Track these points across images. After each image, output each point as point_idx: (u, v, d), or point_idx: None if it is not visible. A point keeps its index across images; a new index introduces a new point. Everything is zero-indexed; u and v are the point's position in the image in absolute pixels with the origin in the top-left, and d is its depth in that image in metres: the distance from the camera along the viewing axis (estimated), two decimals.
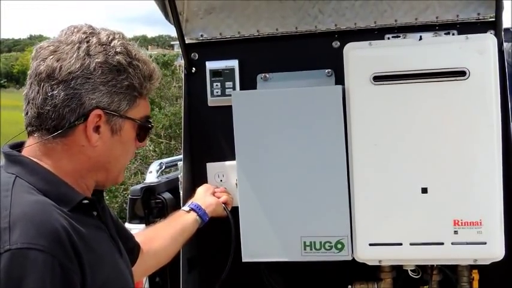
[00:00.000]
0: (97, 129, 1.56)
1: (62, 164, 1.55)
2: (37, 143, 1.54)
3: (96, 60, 1.53)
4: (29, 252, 1.32)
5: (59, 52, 1.53)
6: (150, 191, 3.06)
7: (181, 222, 2.40)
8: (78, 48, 1.53)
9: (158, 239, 2.28)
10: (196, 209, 2.45)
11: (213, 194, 2.59)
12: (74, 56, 1.52)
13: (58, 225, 1.39)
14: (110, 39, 1.57)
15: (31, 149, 1.55)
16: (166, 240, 2.30)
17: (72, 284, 1.37)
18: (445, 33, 2.53)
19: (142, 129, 1.67)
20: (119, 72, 1.56)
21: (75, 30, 1.58)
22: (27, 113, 1.56)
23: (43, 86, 1.52)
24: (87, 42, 1.54)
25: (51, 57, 1.53)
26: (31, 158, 1.54)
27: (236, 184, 2.56)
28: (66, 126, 1.52)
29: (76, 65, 1.51)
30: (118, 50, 1.56)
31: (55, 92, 1.51)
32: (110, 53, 1.55)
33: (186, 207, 2.47)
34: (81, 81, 1.51)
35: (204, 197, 2.54)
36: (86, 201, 1.56)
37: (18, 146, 1.59)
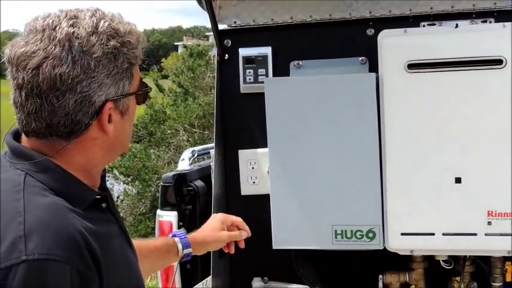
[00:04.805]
0: (109, 118, 1.49)
1: (75, 160, 1.48)
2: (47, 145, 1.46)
3: (94, 55, 1.43)
4: (46, 263, 1.27)
5: (50, 58, 1.41)
6: (182, 178, 3.09)
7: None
8: (70, 47, 1.41)
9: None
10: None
11: (228, 226, 2.21)
12: (69, 58, 1.41)
13: (75, 232, 1.34)
14: (95, 23, 1.46)
15: (36, 145, 1.47)
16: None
17: None
18: (481, 21, 2.49)
19: (142, 94, 1.59)
20: (117, 58, 1.47)
21: (56, 25, 1.44)
22: (31, 125, 1.45)
23: (47, 98, 1.42)
24: (77, 37, 1.42)
25: (45, 65, 1.40)
26: (41, 154, 1.45)
27: (268, 171, 2.55)
28: (82, 128, 1.45)
29: (77, 69, 1.41)
30: (109, 33, 1.46)
31: (62, 102, 1.42)
32: (103, 42, 1.44)
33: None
34: (86, 83, 1.43)
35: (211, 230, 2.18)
36: (98, 197, 1.52)
37: (18, 135, 1.50)
